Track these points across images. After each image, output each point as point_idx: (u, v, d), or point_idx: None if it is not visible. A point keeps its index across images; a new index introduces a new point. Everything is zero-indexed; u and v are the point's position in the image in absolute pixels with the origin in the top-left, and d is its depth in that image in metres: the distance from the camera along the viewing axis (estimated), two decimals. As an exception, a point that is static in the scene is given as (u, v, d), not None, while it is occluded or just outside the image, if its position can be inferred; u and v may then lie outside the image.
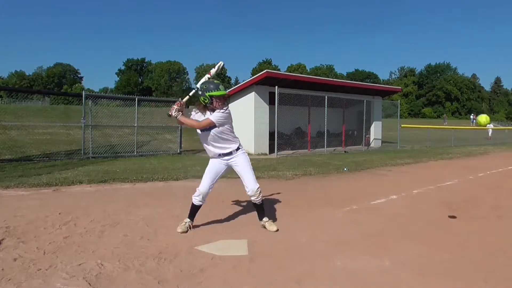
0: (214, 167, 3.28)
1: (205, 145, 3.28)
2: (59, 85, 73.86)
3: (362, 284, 2.27)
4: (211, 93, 3.05)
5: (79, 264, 2.45)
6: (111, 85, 79.90)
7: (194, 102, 3.27)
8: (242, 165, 3.28)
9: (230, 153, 3.25)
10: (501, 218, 3.99)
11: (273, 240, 3.08)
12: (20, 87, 57.31)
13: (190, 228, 3.29)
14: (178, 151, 10.69)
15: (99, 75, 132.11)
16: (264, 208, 3.48)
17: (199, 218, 3.65)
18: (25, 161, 7.67)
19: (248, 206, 4.08)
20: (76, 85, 74.20)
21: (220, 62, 3.40)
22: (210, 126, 3.11)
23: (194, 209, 3.33)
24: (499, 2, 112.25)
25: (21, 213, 3.68)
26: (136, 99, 10.16)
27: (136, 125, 10.24)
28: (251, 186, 3.27)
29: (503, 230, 3.56)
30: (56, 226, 3.30)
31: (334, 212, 4.08)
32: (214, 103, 3.09)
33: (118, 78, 77.56)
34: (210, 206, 4.13)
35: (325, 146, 12.30)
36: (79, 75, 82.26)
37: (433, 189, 5.69)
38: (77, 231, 3.19)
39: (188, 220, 3.31)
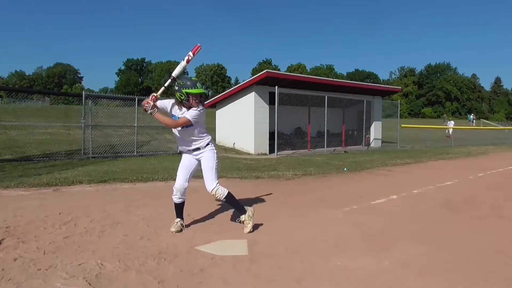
0: (186, 162, 3.28)
1: (177, 139, 3.30)
2: (59, 85, 73.86)
3: (362, 284, 2.27)
4: (187, 90, 3.02)
5: (79, 264, 2.45)
6: (111, 85, 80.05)
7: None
8: (204, 162, 3.26)
9: (198, 149, 3.25)
10: (501, 218, 3.99)
11: (273, 240, 3.08)
12: (20, 87, 57.32)
13: (183, 227, 3.29)
14: (178, 151, 10.65)
15: (99, 75, 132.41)
16: (237, 205, 3.36)
17: (199, 218, 3.67)
18: (25, 161, 7.67)
19: (248, 207, 4.08)
20: (76, 85, 74.19)
21: (197, 46, 3.29)
22: (186, 124, 3.08)
23: (178, 208, 3.32)
24: (499, 2, 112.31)
25: (21, 213, 3.68)
26: (136, 99, 10.15)
27: (136, 125, 10.23)
28: (208, 186, 3.24)
29: (503, 230, 3.55)
30: (56, 226, 3.30)
31: (334, 212, 4.08)
32: (191, 100, 3.07)
33: (118, 78, 77.61)
34: (210, 206, 4.13)
35: (325, 146, 12.30)
36: (79, 75, 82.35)
37: (433, 189, 5.69)
38: (77, 231, 3.18)
39: (179, 219, 3.31)
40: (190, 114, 3.05)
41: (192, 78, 3.11)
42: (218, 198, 3.30)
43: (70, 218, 3.56)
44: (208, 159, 3.26)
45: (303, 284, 2.26)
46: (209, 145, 3.30)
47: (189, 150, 3.27)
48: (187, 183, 3.28)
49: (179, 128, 3.16)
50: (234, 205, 3.39)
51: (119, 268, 2.42)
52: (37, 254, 2.62)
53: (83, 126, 9.10)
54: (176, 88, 3.08)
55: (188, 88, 3.02)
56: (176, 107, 3.19)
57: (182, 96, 3.06)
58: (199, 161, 3.30)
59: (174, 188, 3.28)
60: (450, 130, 21.88)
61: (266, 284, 2.25)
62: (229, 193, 3.29)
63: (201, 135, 3.25)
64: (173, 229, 3.23)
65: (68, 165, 7.45)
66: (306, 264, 2.57)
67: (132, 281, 2.23)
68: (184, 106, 3.14)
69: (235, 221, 3.43)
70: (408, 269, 2.50)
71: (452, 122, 26.23)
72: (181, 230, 3.25)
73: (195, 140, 3.24)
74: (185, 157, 3.34)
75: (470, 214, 4.14)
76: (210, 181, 3.23)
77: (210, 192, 3.25)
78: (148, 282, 2.22)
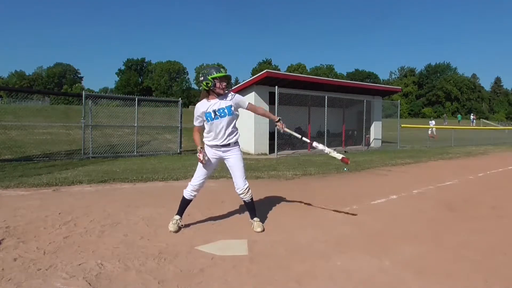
0: (209, 160, 3.22)
1: (211, 133, 3.17)
2: (59, 85, 73.96)
3: (362, 284, 2.27)
4: (213, 76, 3.06)
5: (79, 264, 2.45)
6: (111, 85, 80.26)
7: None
8: (235, 161, 3.25)
9: (228, 145, 3.22)
10: (501, 218, 3.98)
11: (273, 240, 3.07)
12: (20, 87, 57.38)
13: (181, 226, 3.29)
14: (178, 151, 10.69)
15: (99, 75, 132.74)
16: (255, 207, 3.46)
17: (199, 218, 3.66)
18: (25, 161, 7.67)
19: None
20: (76, 85, 74.29)
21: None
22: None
23: (185, 204, 3.31)
24: (499, 2, 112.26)
25: (21, 213, 3.68)
26: (136, 99, 10.17)
27: (136, 125, 10.24)
28: (240, 184, 3.26)
29: (503, 230, 3.55)
30: (56, 226, 3.29)
31: (334, 212, 4.08)
32: (218, 84, 3.09)
33: (118, 78, 77.60)
34: (210, 206, 4.13)
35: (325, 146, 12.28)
36: (79, 75, 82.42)
37: (433, 189, 5.68)
38: (77, 231, 3.18)
39: (178, 217, 3.29)
40: (241, 97, 3.25)
41: (214, 65, 3.18)
42: (246, 196, 3.30)
43: (70, 218, 3.56)
44: (239, 157, 3.27)
45: (303, 284, 2.26)
46: (238, 143, 3.32)
47: (219, 146, 3.19)
48: (205, 182, 3.31)
49: (214, 121, 3.12)
50: (250, 207, 3.40)
51: (119, 268, 2.42)
52: (37, 254, 2.62)
53: (83, 126, 9.11)
54: (202, 78, 3.10)
55: (213, 74, 3.07)
56: (216, 100, 3.16)
57: (209, 83, 3.08)
58: (219, 159, 3.28)
59: (192, 185, 3.25)
60: (433, 130, 21.36)
61: (266, 284, 2.25)
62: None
63: (236, 128, 3.30)
64: (171, 229, 3.22)
65: (68, 165, 7.46)
66: (306, 264, 2.57)
67: (132, 281, 2.23)
68: (215, 94, 3.14)
69: (250, 220, 3.42)
70: (408, 269, 2.50)
71: (433, 121, 25.27)
72: (179, 230, 3.25)
73: (232, 133, 3.23)
74: (210, 156, 3.23)
75: (470, 214, 4.14)
76: (243, 180, 3.27)
77: (242, 189, 3.26)
78: (148, 282, 2.22)
